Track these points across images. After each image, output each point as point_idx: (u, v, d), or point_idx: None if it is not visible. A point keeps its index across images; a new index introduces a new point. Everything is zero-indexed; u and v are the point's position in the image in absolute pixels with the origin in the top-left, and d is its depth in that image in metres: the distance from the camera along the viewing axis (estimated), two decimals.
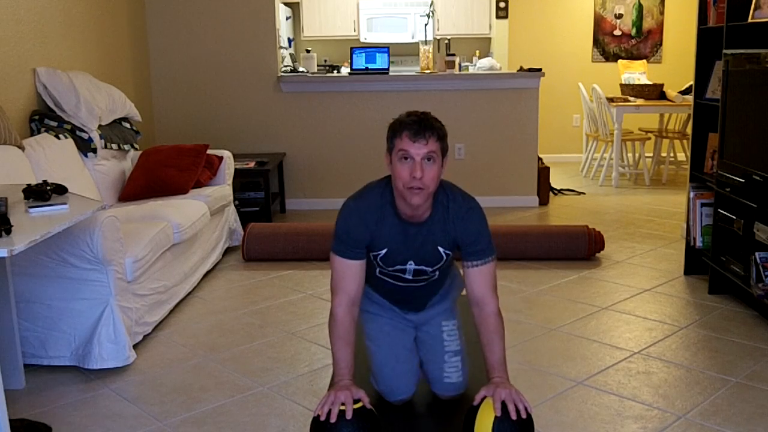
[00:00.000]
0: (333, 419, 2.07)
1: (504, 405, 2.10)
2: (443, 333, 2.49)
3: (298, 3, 8.37)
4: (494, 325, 2.24)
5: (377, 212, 2.24)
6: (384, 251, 2.29)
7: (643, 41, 8.43)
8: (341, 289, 2.25)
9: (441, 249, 2.29)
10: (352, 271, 2.25)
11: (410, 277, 2.36)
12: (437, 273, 2.39)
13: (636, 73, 7.68)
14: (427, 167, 2.11)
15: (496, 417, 2.08)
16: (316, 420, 2.15)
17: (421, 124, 2.10)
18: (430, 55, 6.16)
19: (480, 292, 2.26)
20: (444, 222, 2.25)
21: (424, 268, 2.34)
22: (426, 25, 6.67)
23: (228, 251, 4.92)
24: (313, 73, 6.52)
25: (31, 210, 2.59)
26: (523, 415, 2.09)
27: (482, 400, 2.17)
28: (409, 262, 2.32)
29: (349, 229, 2.23)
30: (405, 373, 2.46)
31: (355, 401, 2.15)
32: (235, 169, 5.23)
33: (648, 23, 8.40)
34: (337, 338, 2.24)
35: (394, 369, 2.46)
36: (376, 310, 2.52)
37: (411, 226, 2.25)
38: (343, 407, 2.10)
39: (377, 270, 2.38)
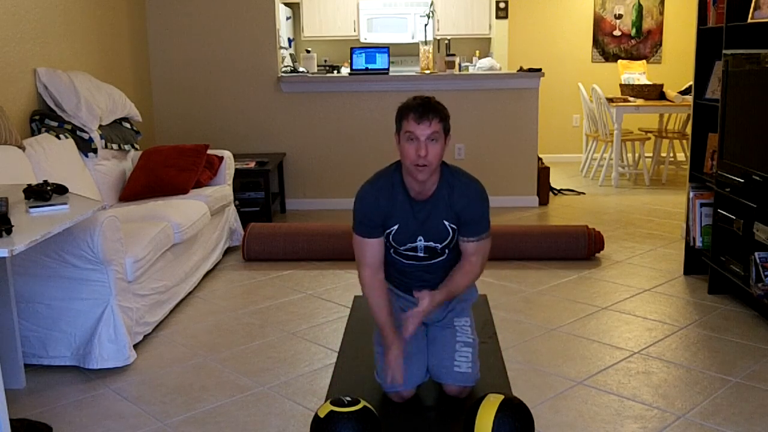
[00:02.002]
0: (400, 382, 2.40)
1: (504, 403, 2.12)
2: (455, 326, 2.63)
3: (298, 3, 8.37)
4: (466, 272, 2.49)
5: (388, 192, 2.46)
6: (396, 227, 2.48)
7: (642, 41, 8.43)
8: (365, 262, 2.51)
9: (446, 223, 2.47)
10: (372, 248, 2.50)
11: (422, 254, 2.51)
12: (447, 252, 2.52)
13: (636, 73, 7.69)
14: (431, 146, 2.33)
15: (495, 417, 2.08)
16: (316, 419, 2.16)
17: (425, 107, 2.32)
18: (430, 56, 6.16)
19: (469, 255, 2.51)
20: (449, 197, 2.45)
21: (433, 244, 2.49)
22: (426, 25, 6.67)
23: (228, 251, 4.92)
24: (313, 73, 6.53)
25: (32, 210, 2.59)
26: (409, 332, 2.39)
27: (481, 399, 2.18)
28: (419, 238, 2.48)
29: (366, 211, 2.46)
30: (408, 364, 2.50)
31: (356, 403, 2.16)
32: (236, 169, 5.24)
33: (648, 23, 8.40)
34: (374, 301, 2.50)
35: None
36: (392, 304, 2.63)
37: (418, 202, 2.46)
38: (345, 409, 2.13)
39: (392, 251, 2.53)
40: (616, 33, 8.43)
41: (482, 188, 2.51)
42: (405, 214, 2.46)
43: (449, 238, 2.49)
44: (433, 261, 2.52)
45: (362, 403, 2.16)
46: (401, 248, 2.51)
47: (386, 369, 2.52)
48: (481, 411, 2.13)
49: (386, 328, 2.50)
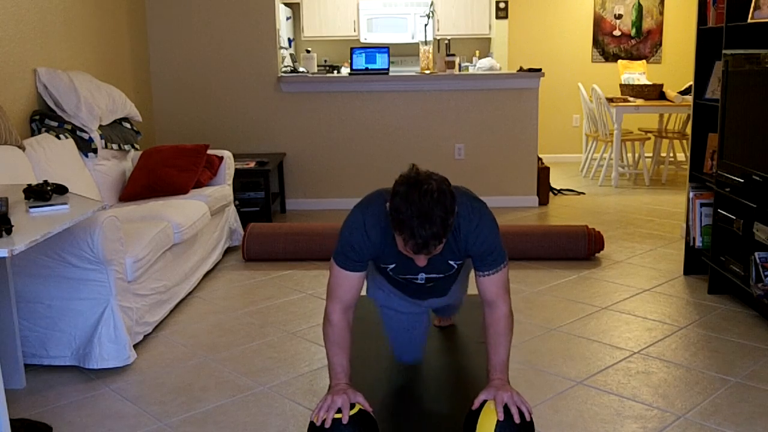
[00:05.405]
0: (327, 425, 2.06)
1: (506, 408, 2.10)
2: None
3: (298, 3, 8.37)
4: (503, 327, 2.21)
5: (382, 231, 2.15)
6: (393, 266, 2.27)
7: (642, 41, 8.43)
8: (337, 296, 2.24)
9: (452, 262, 2.27)
10: (350, 282, 2.22)
11: (422, 282, 2.38)
12: (451, 273, 2.43)
13: (636, 73, 7.69)
14: (432, 257, 2.09)
15: (498, 421, 2.07)
16: (312, 424, 2.13)
17: (425, 242, 1.93)
18: (430, 56, 6.16)
19: (492, 296, 2.24)
20: (455, 242, 2.18)
21: (435, 276, 2.34)
22: (426, 25, 6.67)
23: (228, 251, 4.92)
24: (313, 73, 6.52)
25: (32, 210, 2.59)
26: (527, 418, 2.09)
27: (482, 404, 2.16)
28: (420, 274, 2.32)
29: (353, 244, 2.16)
30: (413, 340, 2.66)
31: (352, 405, 2.14)
32: (236, 169, 5.24)
33: (648, 23, 8.40)
34: (332, 343, 2.23)
35: (402, 335, 2.63)
36: (389, 289, 2.59)
37: None
38: (339, 415, 2.09)
39: (389, 272, 2.39)
40: (616, 33, 8.43)
41: (489, 215, 2.19)
42: (402, 259, 2.21)
43: (453, 271, 2.33)
44: (432, 282, 2.40)
45: (358, 407, 2.14)
46: (399, 277, 2.34)
47: (394, 347, 2.68)
48: (482, 416, 2.11)
49: (341, 375, 2.18)
